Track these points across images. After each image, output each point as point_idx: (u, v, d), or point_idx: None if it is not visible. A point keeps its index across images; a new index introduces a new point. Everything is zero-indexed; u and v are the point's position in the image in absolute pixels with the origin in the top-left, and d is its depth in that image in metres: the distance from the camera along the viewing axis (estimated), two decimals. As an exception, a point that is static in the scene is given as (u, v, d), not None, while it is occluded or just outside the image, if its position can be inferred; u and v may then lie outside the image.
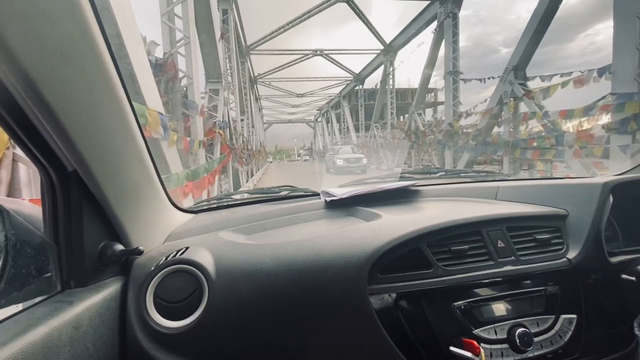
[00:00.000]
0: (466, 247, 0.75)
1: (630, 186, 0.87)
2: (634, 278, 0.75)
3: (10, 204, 0.55)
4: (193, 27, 5.44)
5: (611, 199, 0.82)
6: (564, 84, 6.48)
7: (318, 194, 1.15)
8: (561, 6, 6.59)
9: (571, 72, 6.49)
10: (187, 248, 0.73)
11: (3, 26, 0.35)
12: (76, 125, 0.47)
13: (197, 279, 0.67)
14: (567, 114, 6.42)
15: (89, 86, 0.48)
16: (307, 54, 15.71)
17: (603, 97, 5.69)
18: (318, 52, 15.55)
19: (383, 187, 1.06)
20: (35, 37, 0.39)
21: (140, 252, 0.67)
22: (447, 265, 0.73)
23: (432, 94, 25.17)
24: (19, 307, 0.52)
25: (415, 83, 14.04)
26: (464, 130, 9.59)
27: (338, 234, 0.76)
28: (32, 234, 0.56)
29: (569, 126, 6.61)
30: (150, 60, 4.14)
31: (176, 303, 0.65)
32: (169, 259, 0.69)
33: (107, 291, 0.62)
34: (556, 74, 6.79)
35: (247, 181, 9.94)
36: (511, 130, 8.00)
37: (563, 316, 0.75)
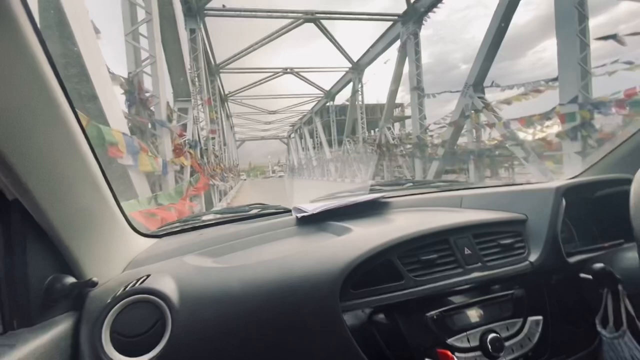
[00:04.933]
0: (435, 256, 0.76)
1: (580, 189, 0.93)
2: (591, 277, 0.79)
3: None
4: (159, 46, 5.36)
5: (564, 202, 0.88)
6: (522, 96, 6.99)
7: (290, 211, 1.13)
8: (511, 26, 7.21)
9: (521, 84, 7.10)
10: (148, 276, 0.68)
11: None
12: (16, 150, 0.44)
13: (159, 309, 0.62)
14: (526, 122, 6.90)
15: (30, 107, 0.45)
16: (278, 72, 15.89)
17: (553, 108, 6.21)
18: (288, 70, 15.78)
19: (353, 200, 1.06)
20: None
21: (94, 284, 0.62)
22: (417, 275, 0.73)
23: (400, 109, 26.17)
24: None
25: (383, 99, 14.57)
26: (432, 142, 10.03)
27: (309, 251, 0.74)
28: (-35, 272, 0.50)
29: (529, 134, 7.11)
30: (115, 79, 4.01)
31: (136, 337, 0.60)
32: (127, 289, 0.64)
33: (57, 329, 0.56)
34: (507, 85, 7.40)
35: (219, 200, 9.67)
36: (474, 140, 8.47)
37: (530, 318, 0.77)
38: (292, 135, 35.37)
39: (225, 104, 18.85)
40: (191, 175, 6.19)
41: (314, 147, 25.67)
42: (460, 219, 0.85)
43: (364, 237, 0.77)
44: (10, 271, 0.53)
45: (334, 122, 20.72)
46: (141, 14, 5.18)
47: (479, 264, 0.78)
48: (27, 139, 0.45)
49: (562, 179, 1.06)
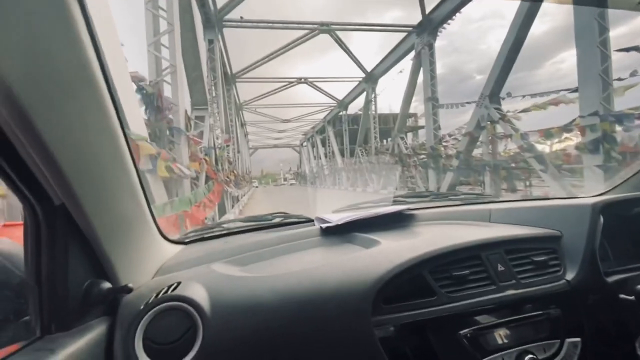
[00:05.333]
0: (467, 272, 0.74)
1: (617, 205, 0.89)
2: (633, 297, 0.76)
3: (-12, 242, 0.51)
4: (179, 56, 5.52)
5: (601, 219, 0.84)
6: (543, 105, 6.85)
7: (312, 220, 1.13)
8: (527, 37, 7.12)
9: (542, 94, 6.98)
10: (179, 283, 0.69)
11: None
12: (68, 156, 0.45)
13: (190, 316, 0.62)
14: (545, 134, 6.74)
15: (83, 115, 0.46)
16: (292, 82, 16.12)
17: (573, 121, 6.06)
18: (302, 79, 15.99)
19: (378, 211, 1.05)
20: (30, 64, 0.38)
21: (130, 290, 0.63)
22: (450, 291, 0.71)
23: (413, 119, 26.06)
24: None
25: (396, 108, 14.58)
26: (447, 153, 9.92)
27: (338, 262, 0.73)
28: (11, 274, 0.51)
29: (547, 146, 6.96)
30: (138, 88, 4.14)
31: (168, 344, 0.60)
32: (159, 296, 0.65)
33: (92, 335, 0.57)
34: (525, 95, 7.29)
35: (232, 207, 9.76)
36: (489, 152, 8.33)
37: (568, 340, 0.74)
38: (305, 144, 35.61)
39: (240, 112, 19.19)
40: (206, 182, 6.28)
41: (326, 156, 25.76)
42: (491, 234, 0.83)
43: (394, 250, 0.76)
44: (52, 275, 0.54)
45: (347, 131, 20.80)
46: (163, 25, 5.36)
47: (513, 281, 0.76)
48: (79, 147, 0.47)
49: (592, 195, 1.03)
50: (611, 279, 0.81)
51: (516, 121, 7.48)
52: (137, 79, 4.30)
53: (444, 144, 10.23)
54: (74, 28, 0.41)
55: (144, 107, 4.59)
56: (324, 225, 1.01)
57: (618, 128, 5.28)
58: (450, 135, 9.97)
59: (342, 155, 21.78)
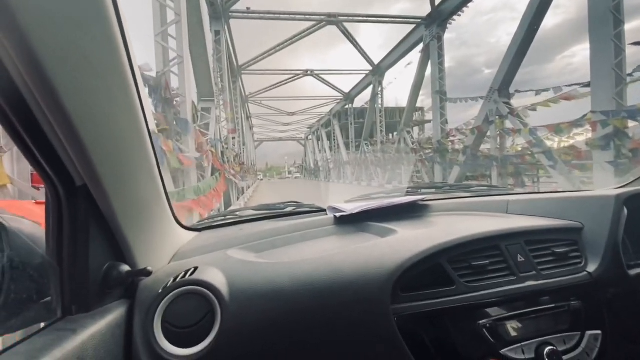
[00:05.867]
0: (486, 262, 0.73)
1: None
2: None
3: (11, 221, 0.51)
4: (186, 47, 5.50)
5: (625, 210, 0.82)
6: (553, 101, 6.71)
7: (324, 210, 1.12)
8: (539, 30, 6.96)
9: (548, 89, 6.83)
10: (196, 268, 0.69)
11: (27, 25, 0.33)
12: (92, 136, 0.44)
13: (208, 301, 0.62)
14: (555, 129, 6.63)
15: (109, 94, 0.45)
16: (298, 74, 16.03)
17: (584, 115, 5.94)
18: (309, 72, 15.90)
19: (393, 201, 1.04)
20: (59, 38, 0.37)
21: (149, 273, 0.63)
22: (469, 281, 0.70)
23: (419, 113, 25.80)
24: (16, 336, 0.47)
25: (402, 102, 14.49)
26: (454, 147, 9.83)
27: (354, 250, 0.73)
28: (34, 254, 0.51)
29: (556, 142, 6.85)
30: (145, 79, 4.14)
31: (186, 328, 0.60)
32: (177, 280, 0.64)
33: (112, 317, 0.57)
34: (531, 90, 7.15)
35: (237, 199, 9.80)
36: (498, 147, 8.23)
37: (588, 333, 0.72)
38: (310, 137, 35.53)
39: (246, 104, 19.16)
40: (212, 174, 6.30)
41: (331, 149, 25.70)
42: (510, 225, 0.81)
43: (412, 239, 0.75)
44: (73, 256, 0.54)
45: (352, 124, 20.69)
46: (170, 16, 5.33)
47: (534, 273, 0.75)
48: (104, 125, 0.46)
49: (615, 187, 1.00)
50: (633, 272, 0.80)
51: (525, 116, 7.37)
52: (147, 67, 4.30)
53: (451, 138, 10.13)
54: (103, 7, 0.41)
55: (150, 99, 4.60)
56: (337, 215, 1.00)
57: (631, 124, 5.16)
58: (457, 130, 9.85)
59: (348, 148, 21.70)
